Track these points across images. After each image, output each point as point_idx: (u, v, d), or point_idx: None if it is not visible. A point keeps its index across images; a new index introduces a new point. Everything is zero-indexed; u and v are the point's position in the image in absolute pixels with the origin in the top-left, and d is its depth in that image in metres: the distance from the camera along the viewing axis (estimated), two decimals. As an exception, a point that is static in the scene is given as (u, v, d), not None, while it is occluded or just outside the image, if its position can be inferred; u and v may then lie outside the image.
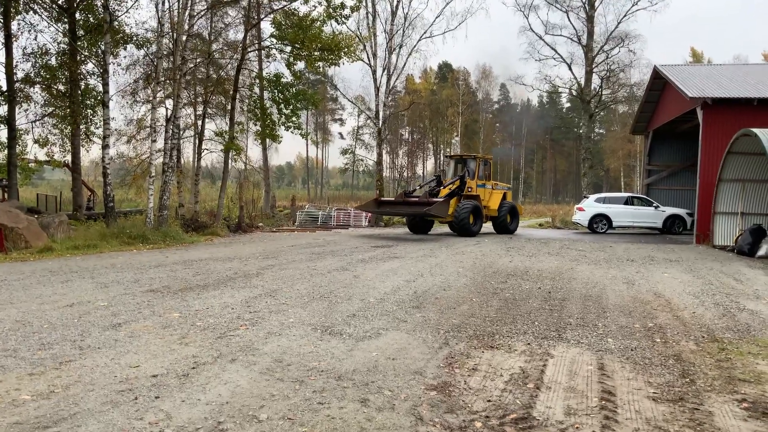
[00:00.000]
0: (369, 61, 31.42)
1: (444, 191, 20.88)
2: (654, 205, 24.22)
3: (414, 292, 8.63)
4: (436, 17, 62.05)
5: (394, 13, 31.72)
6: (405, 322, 6.68)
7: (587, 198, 25.49)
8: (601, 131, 75.89)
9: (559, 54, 35.55)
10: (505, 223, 22.40)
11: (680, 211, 24.02)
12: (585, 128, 38.21)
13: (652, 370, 5.10)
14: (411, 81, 70.48)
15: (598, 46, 34.04)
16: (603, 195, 26.57)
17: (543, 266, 12.07)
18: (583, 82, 34.45)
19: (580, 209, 24.84)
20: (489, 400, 4.28)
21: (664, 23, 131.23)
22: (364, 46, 30.64)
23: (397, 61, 32.31)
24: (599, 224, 24.10)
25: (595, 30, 33.93)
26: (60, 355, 5.15)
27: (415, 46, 32.97)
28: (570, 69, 35.51)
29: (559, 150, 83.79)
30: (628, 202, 24.71)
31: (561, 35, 35.28)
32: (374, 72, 31.53)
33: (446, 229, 22.46)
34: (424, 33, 33.78)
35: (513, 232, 22.78)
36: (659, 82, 24.58)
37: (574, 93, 36.56)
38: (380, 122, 32.58)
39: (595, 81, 34.80)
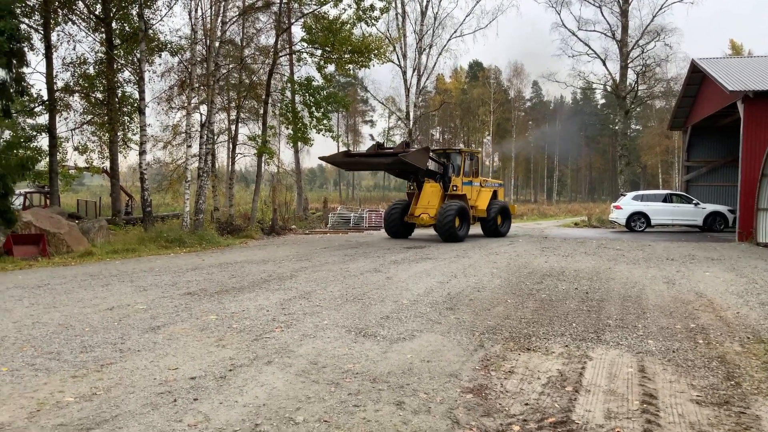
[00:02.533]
0: (399, 62, 31.49)
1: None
2: (694, 202, 23.59)
3: (447, 294, 8.57)
4: (467, 16, 61.99)
5: (423, 14, 31.77)
6: (439, 324, 6.64)
7: (624, 196, 24.96)
8: (637, 127, 74.29)
9: (592, 50, 34.94)
10: (495, 225, 20.23)
11: (721, 208, 23.32)
12: (621, 124, 37.46)
13: (695, 372, 4.96)
14: (441, 81, 70.28)
15: (633, 40, 33.34)
16: (641, 192, 26.00)
17: (580, 266, 11.87)
18: (618, 77, 33.80)
19: (618, 207, 24.34)
20: (526, 404, 4.21)
21: (701, 16, 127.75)
22: (394, 47, 30.75)
23: (427, 61, 32.35)
24: (637, 222, 23.59)
25: (630, 24, 33.27)
26: (101, 358, 5.27)
27: (445, 46, 33.04)
28: (604, 65, 35.02)
29: (595, 147, 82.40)
30: (667, 199, 24.11)
31: (594, 30, 34.69)
32: (404, 73, 31.60)
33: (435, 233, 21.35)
34: (454, 32, 33.64)
35: (504, 235, 20.61)
36: (697, 76, 23.95)
37: (609, 89, 35.87)
38: (411, 123, 32.57)
39: (631, 76, 34.11)
